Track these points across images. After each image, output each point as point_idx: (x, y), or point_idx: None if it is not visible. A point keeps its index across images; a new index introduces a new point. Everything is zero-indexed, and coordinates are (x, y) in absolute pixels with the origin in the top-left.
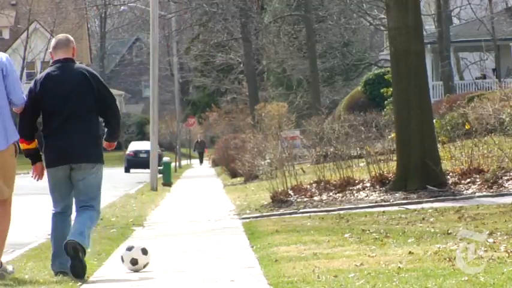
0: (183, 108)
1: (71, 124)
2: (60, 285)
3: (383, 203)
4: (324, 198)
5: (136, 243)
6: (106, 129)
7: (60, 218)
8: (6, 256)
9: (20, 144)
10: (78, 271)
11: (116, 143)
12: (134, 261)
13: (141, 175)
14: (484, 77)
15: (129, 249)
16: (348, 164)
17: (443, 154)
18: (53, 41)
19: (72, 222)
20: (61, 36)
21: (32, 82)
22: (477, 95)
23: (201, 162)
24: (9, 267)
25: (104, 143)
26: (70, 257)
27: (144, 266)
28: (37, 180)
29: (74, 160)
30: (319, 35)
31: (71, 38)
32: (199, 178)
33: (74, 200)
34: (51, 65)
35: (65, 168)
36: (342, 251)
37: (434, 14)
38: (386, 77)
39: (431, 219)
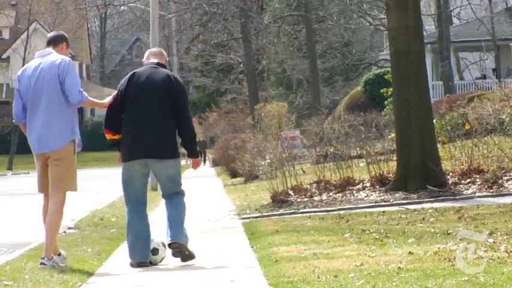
0: None
1: (146, 119)
2: (60, 285)
3: (383, 203)
4: (324, 198)
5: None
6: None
7: (135, 213)
8: (5, 256)
9: (106, 135)
10: (188, 259)
11: (197, 160)
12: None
13: None
14: (484, 77)
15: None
16: (348, 164)
17: (443, 154)
18: (147, 52)
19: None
20: (155, 48)
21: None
22: (477, 95)
23: (203, 162)
24: (63, 253)
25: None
26: (177, 254)
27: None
28: None
29: (144, 156)
30: (319, 35)
31: (164, 52)
32: (199, 178)
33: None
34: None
35: (139, 163)
36: (342, 251)
37: (434, 14)
38: (386, 77)
39: (431, 219)
